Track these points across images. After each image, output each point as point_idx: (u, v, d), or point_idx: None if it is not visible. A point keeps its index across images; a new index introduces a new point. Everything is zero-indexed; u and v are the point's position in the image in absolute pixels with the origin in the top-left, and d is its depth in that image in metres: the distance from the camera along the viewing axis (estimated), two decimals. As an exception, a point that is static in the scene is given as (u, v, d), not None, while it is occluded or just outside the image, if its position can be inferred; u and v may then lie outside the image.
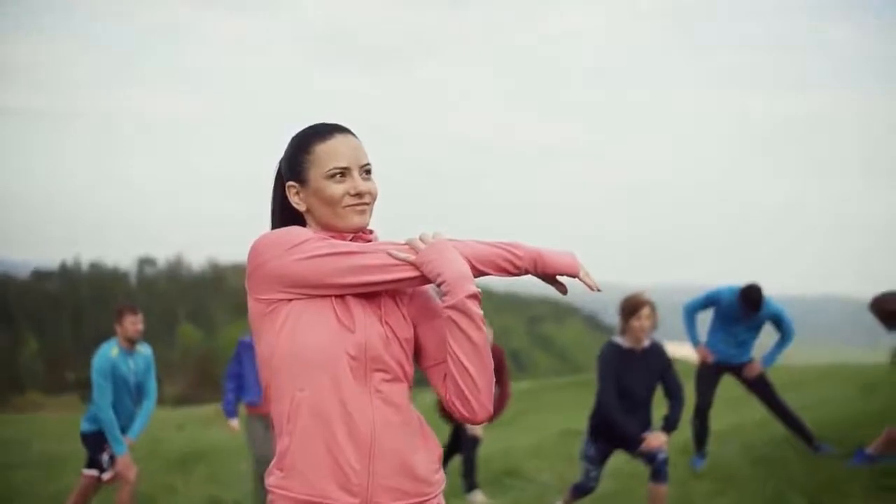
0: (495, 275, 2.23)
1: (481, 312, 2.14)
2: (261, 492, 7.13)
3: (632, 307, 5.50)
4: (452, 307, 2.11)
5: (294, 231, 2.17)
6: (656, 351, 5.59)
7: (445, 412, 6.74)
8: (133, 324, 6.28)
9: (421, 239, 2.18)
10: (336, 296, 2.14)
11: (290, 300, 2.13)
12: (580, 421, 10.53)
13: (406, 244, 2.18)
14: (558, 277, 2.27)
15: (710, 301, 7.28)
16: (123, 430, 6.29)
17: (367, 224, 2.24)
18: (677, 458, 6.46)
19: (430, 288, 2.27)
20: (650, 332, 5.53)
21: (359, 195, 2.20)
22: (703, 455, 7.32)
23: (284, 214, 2.29)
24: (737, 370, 7.31)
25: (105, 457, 6.31)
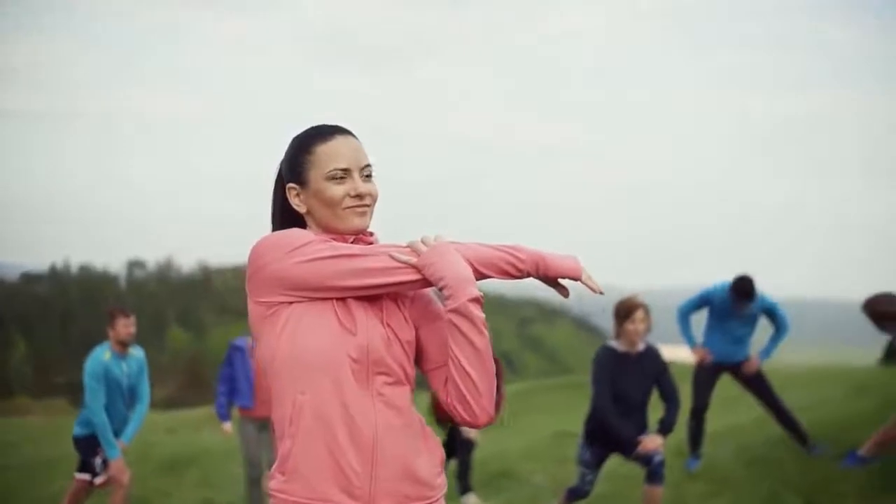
0: (497, 278, 2.21)
1: (483, 316, 2.12)
2: (254, 494, 7.12)
3: (626, 311, 5.50)
4: (454, 311, 2.10)
5: (295, 233, 2.15)
6: (651, 354, 5.59)
7: (439, 416, 6.72)
8: (125, 327, 6.25)
9: (422, 241, 2.16)
10: (337, 298, 2.13)
11: (291, 303, 2.12)
12: (572, 423, 10.54)
13: (407, 247, 2.16)
14: (560, 281, 2.26)
15: (703, 301, 7.29)
16: (116, 434, 6.26)
17: (368, 226, 2.23)
18: (672, 460, 6.46)
19: (431, 290, 2.26)
20: (645, 336, 5.53)
21: (359, 197, 2.19)
22: (698, 456, 7.32)
23: (285, 216, 2.28)
24: (735, 369, 7.32)
25: (98, 461, 6.28)
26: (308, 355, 2.09)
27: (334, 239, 2.18)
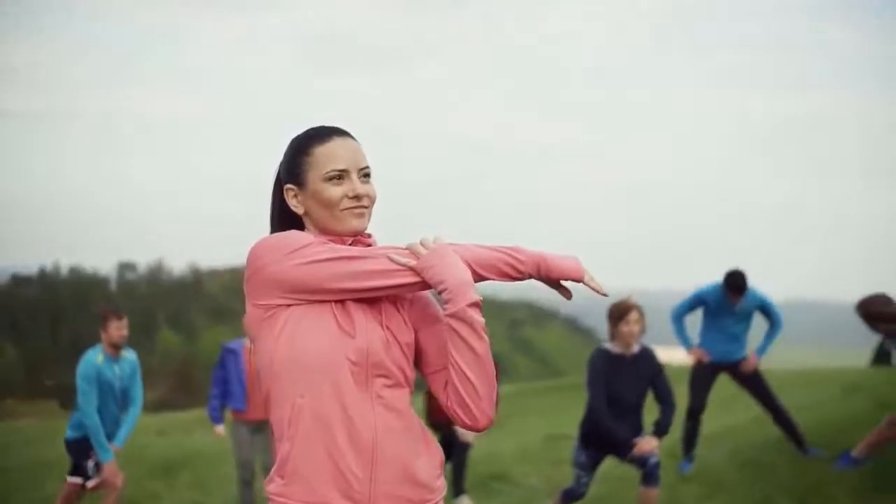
0: (497, 280, 2.20)
1: (483, 320, 2.12)
2: (246, 497, 7.09)
3: (619, 312, 5.50)
4: (454, 316, 2.09)
5: (293, 235, 2.14)
6: (646, 356, 5.58)
7: (434, 419, 6.71)
8: (118, 329, 6.22)
9: (422, 243, 2.15)
10: (336, 301, 2.12)
11: (290, 305, 2.10)
12: (564, 425, 10.56)
13: (406, 249, 2.15)
14: (562, 282, 2.25)
15: (696, 301, 7.32)
16: (109, 437, 6.23)
17: (366, 228, 2.22)
18: (665, 462, 6.45)
19: (429, 292, 2.25)
20: (639, 337, 5.53)
21: (357, 198, 2.18)
22: (691, 459, 7.32)
23: (283, 218, 2.27)
24: (732, 369, 7.33)
25: (90, 464, 6.24)
26: (307, 358, 2.08)
27: (332, 241, 2.17)
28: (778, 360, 7.57)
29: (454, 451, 6.96)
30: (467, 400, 2.12)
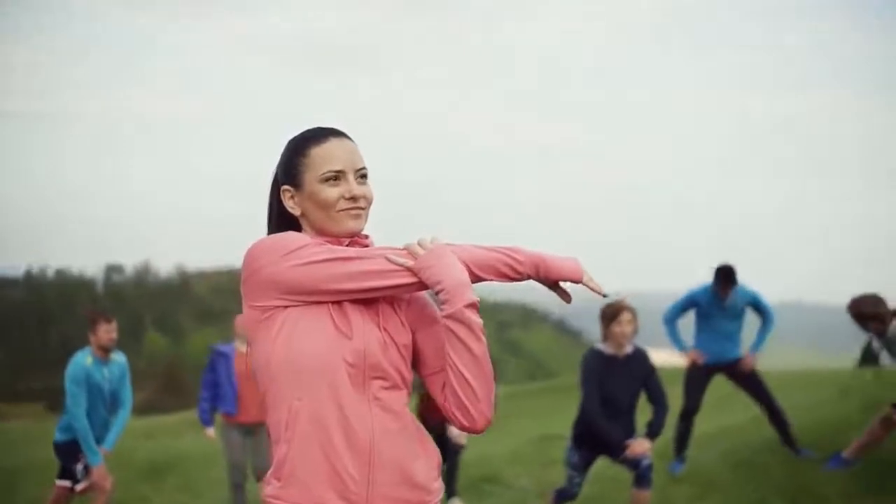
0: (496, 280, 2.19)
1: (481, 322, 2.11)
2: (238, 499, 7.07)
3: (612, 313, 5.50)
4: (451, 316, 2.07)
5: (290, 236, 2.13)
6: (639, 357, 5.58)
7: (427, 421, 6.69)
8: (107, 332, 6.18)
9: (419, 244, 2.14)
10: (333, 302, 2.10)
11: (287, 307, 2.09)
12: (555, 426, 10.55)
13: (404, 249, 2.14)
14: (561, 284, 2.23)
15: (688, 303, 7.33)
16: (98, 440, 6.19)
17: (362, 229, 2.21)
18: (657, 463, 6.46)
19: (427, 293, 2.23)
20: (632, 338, 5.53)
21: (353, 199, 2.17)
22: (683, 460, 7.32)
23: (281, 219, 2.26)
24: (728, 369, 7.34)
25: (79, 467, 6.20)
26: (304, 359, 2.07)
27: (329, 242, 2.16)
28: (778, 360, 7.58)
29: (447, 453, 6.94)
30: (465, 401, 2.11)
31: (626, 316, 5.48)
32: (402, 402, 2.16)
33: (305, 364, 2.06)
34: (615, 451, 5.44)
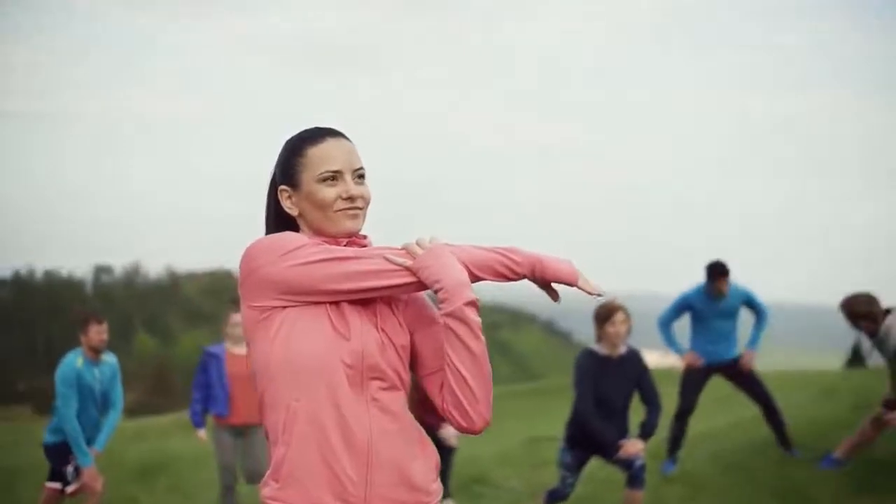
0: (493, 280, 2.19)
1: (479, 320, 2.10)
2: (228, 500, 7.04)
3: (605, 314, 5.51)
4: (450, 315, 2.07)
5: (288, 236, 2.12)
6: (633, 358, 5.59)
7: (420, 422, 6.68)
8: (98, 333, 6.16)
9: (418, 244, 2.14)
10: (331, 302, 2.09)
11: (285, 307, 2.08)
12: (544, 428, 10.55)
13: (402, 249, 2.14)
14: (553, 284, 2.23)
15: (682, 306, 7.33)
16: (88, 441, 6.16)
17: (360, 229, 2.20)
18: (649, 463, 6.46)
19: (425, 294, 2.23)
20: (625, 338, 5.54)
21: (351, 199, 2.16)
22: (675, 460, 7.33)
23: (278, 220, 2.25)
24: (726, 369, 7.35)
25: (70, 469, 6.17)
26: (302, 360, 2.06)
27: (327, 242, 2.15)
28: (765, 363, 7.59)
29: (440, 454, 6.94)
30: (463, 401, 2.11)
31: (619, 316, 5.49)
32: (401, 402, 2.16)
33: (303, 365, 2.06)
34: (609, 451, 5.44)
